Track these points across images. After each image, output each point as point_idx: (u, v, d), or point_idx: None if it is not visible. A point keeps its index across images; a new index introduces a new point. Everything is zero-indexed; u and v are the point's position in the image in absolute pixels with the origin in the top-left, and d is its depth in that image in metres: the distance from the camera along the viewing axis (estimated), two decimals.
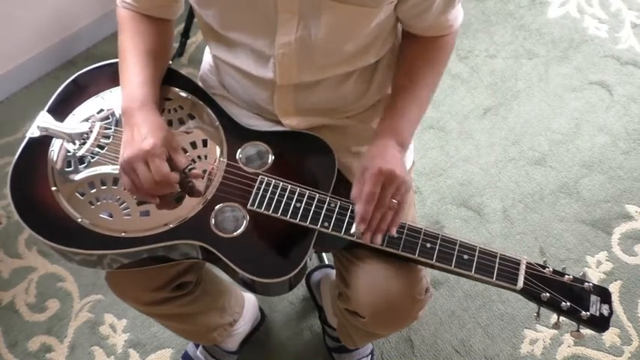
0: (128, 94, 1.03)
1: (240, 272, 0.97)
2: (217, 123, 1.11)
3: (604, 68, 2.17)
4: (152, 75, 1.06)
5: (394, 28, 1.11)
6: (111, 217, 1.01)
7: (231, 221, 1.01)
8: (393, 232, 0.97)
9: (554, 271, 0.98)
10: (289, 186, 1.02)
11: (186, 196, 1.03)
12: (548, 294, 0.95)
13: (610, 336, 1.62)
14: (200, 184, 1.03)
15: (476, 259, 0.98)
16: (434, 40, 1.10)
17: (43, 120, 1.07)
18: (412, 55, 1.11)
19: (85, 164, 1.05)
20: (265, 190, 1.02)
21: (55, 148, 1.06)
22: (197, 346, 1.55)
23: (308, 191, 1.02)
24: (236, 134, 1.10)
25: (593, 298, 0.96)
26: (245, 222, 1.01)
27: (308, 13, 0.96)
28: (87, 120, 1.09)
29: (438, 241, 0.99)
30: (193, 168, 1.03)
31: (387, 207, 0.96)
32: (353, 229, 0.98)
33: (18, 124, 2.04)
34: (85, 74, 1.15)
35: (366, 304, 1.06)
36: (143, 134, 0.97)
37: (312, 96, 1.12)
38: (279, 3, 0.95)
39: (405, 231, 0.99)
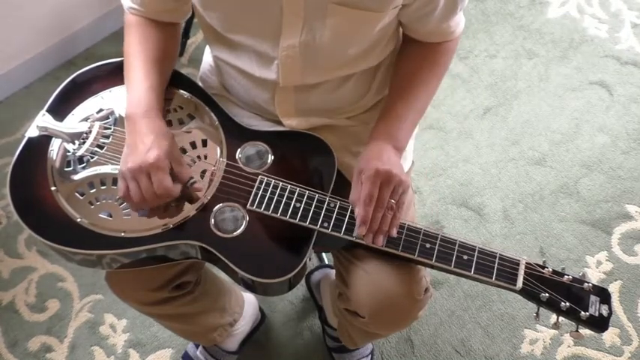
0: (133, 100, 1.03)
1: (240, 272, 0.97)
2: (217, 123, 1.11)
3: (604, 68, 2.17)
4: (158, 81, 1.06)
5: (396, 31, 1.11)
6: (110, 217, 1.01)
7: (231, 221, 1.01)
8: (394, 232, 0.98)
9: (554, 272, 0.98)
10: (289, 186, 1.02)
11: (186, 196, 1.02)
12: (547, 294, 0.95)
13: (610, 336, 1.62)
14: (198, 193, 1.03)
15: (475, 259, 0.98)
16: (435, 45, 1.10)
17: (43, 120, 1.07)
18: (413, 59, 1.11)
19: (85, 164, 1.05)
20: (265, 190, 1.02)
21: (55, 148, 1.06)
22: (197, 346, 1.56)
23: (308, 191, 1.02)
24: (236, 134, 1.10)
25: (593, 298, 0.96)
26: (245, 222, 1.01)
27: (313, 16, 0.96)
28: (86, 120, 1.09)
29: (438, 242, 0.99)
30: (195, 182, 1.02)
31: (386, 207, 0.96)
32: (355, 232, 0.98)
33: (18, 124, 2.04)
34: (84, 74, 1.15)
35: (366, 304, 1.06)
36: (147, 144, 0.97)
37: (313, 97, 1.12)
38: (284, 6, 0.95)
39: (405, 231, 0.99)
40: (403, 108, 1.07)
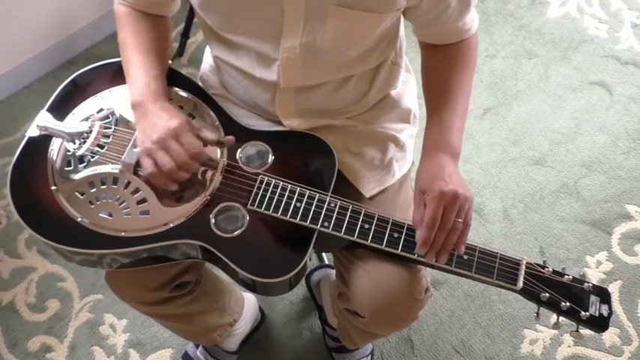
0: (139, 90, 1.03)
1: (240, 272, 0.97)
2: (217, 123, 1.11)
3: (604, 68, 2.17)
4: (159, 72, 1.07)
5: (397, 33, 1.11)
6: (110, 216, 1.00)
7: (232, 221, 1.01)
8: (462, 250, 0.96)
9: (554, 272, 0.98)
10: (289, 186, 1.02)
11: (187, 195, 1.03)
12: (547, 294, 0.95)
13: (610, 336, 1.62)
14: (209, 174, 1.04)
15: (476, 259, 0.98)
16: (457, 46, 1.10)
17: (43, 119, 1.07)
18: (442, 66, 1.10)
19: (85, 163, 1.05)
20: (265, 190, 1.02)
21: (55, 148, 1.06)
22: (197, 346, 1.56)
23: (308, 191, 1.02)
24: (236, 134, 1.09)
25: (593, 298, 0.96)
26: (245, 222, 1.01)
27: (314, 17, 0.96)
28: (86, 119, 1.09)
29: None
30: (223, 141, 1.03)
31: (452, 228, 0.94)
32: (415, 250, 0.97)
33: (18, 124, 2.05)
34: (85, 74, 1.15)
35: (366, 304, 1.06)
36: (165, 117, 0.98)
37: (314, 97, 1.11)
38: (285, 7, 0.95)
39: (405, 231, 0.99)
40: (449, 114, 1.07)
